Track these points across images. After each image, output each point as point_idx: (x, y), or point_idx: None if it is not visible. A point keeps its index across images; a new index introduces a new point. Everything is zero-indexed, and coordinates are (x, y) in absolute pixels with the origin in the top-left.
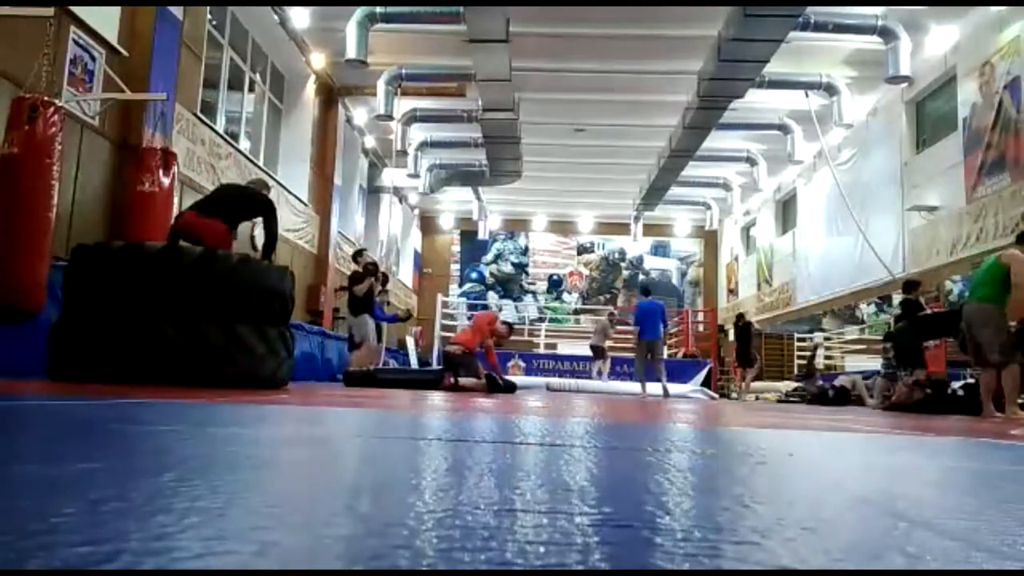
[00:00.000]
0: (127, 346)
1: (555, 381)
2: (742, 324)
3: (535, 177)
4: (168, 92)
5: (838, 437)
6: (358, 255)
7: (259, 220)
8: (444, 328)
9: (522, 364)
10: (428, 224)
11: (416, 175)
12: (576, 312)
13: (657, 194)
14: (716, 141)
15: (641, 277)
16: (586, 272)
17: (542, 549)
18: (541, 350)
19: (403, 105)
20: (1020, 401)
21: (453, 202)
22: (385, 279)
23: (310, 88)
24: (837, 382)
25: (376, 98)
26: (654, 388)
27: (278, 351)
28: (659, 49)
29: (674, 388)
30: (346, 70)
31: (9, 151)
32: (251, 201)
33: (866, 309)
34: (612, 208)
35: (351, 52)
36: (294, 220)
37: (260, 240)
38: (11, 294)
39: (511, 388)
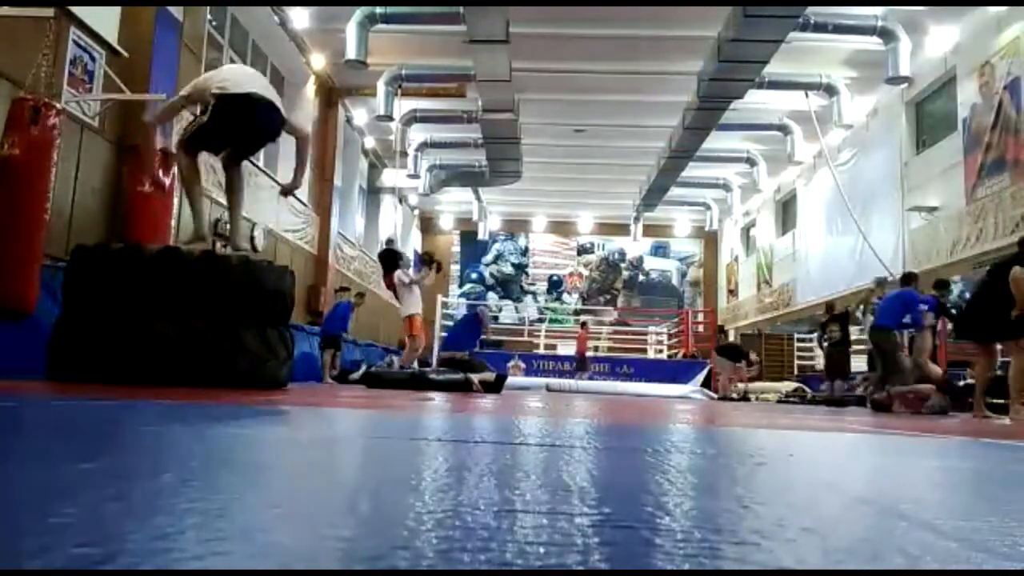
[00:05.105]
0: (127, 347)
1: (555, 382)
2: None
3: (535, 178)
4: (168, 92)
5: (838, 437)
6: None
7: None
8: (444, 329)
9: (522, 365)
10: (428, 224)
11: (416, 176)
12: (576, 313)
13: (657, 195)
14: (716, 141)
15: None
16: (586, 273)
17: (542, 549)
18: (541, 351)
19: (403, 106)
20: None
21: (453, 203)
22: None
23: (310, 89)
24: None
25: (376, 99)
26: None
27: (278, 352)
28: (659, 50)
29: (674, 389)
30: (346, 71)
31: (10, 152)
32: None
33: None
34: (612, 209)
35: (351, 53)
36: (294, 220)
37: (260, 241)
38: (6, 293)
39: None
